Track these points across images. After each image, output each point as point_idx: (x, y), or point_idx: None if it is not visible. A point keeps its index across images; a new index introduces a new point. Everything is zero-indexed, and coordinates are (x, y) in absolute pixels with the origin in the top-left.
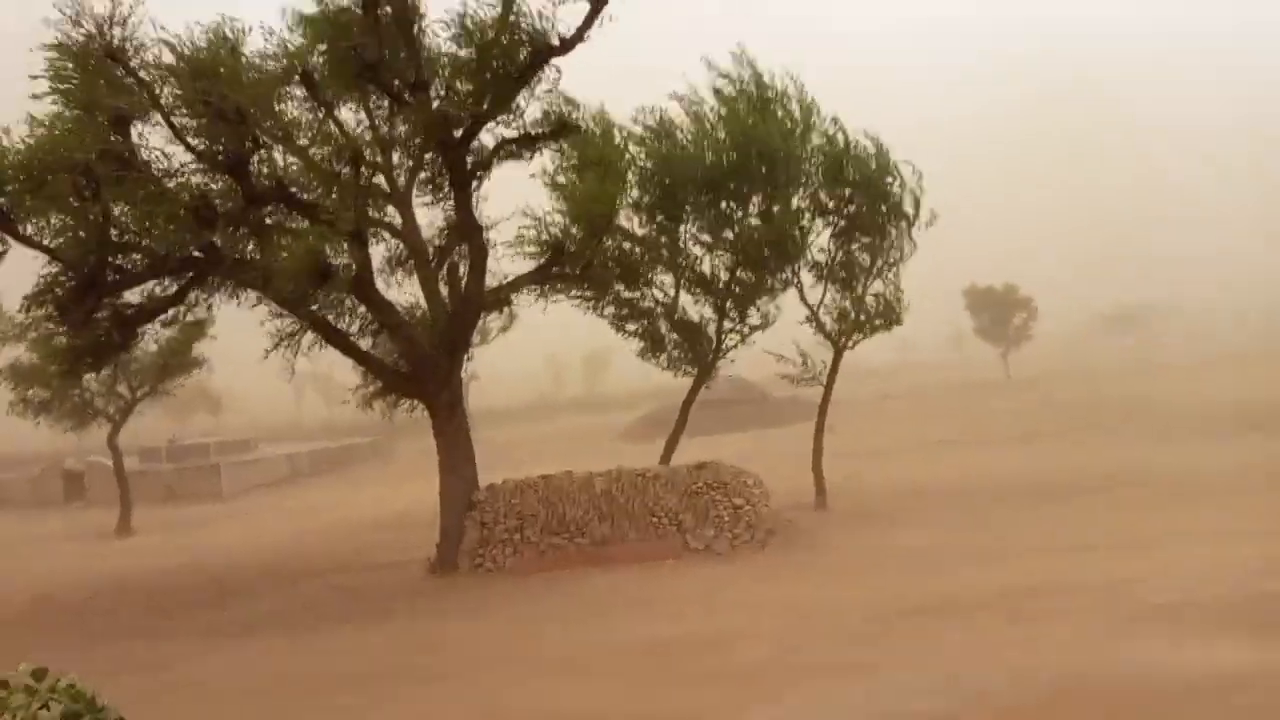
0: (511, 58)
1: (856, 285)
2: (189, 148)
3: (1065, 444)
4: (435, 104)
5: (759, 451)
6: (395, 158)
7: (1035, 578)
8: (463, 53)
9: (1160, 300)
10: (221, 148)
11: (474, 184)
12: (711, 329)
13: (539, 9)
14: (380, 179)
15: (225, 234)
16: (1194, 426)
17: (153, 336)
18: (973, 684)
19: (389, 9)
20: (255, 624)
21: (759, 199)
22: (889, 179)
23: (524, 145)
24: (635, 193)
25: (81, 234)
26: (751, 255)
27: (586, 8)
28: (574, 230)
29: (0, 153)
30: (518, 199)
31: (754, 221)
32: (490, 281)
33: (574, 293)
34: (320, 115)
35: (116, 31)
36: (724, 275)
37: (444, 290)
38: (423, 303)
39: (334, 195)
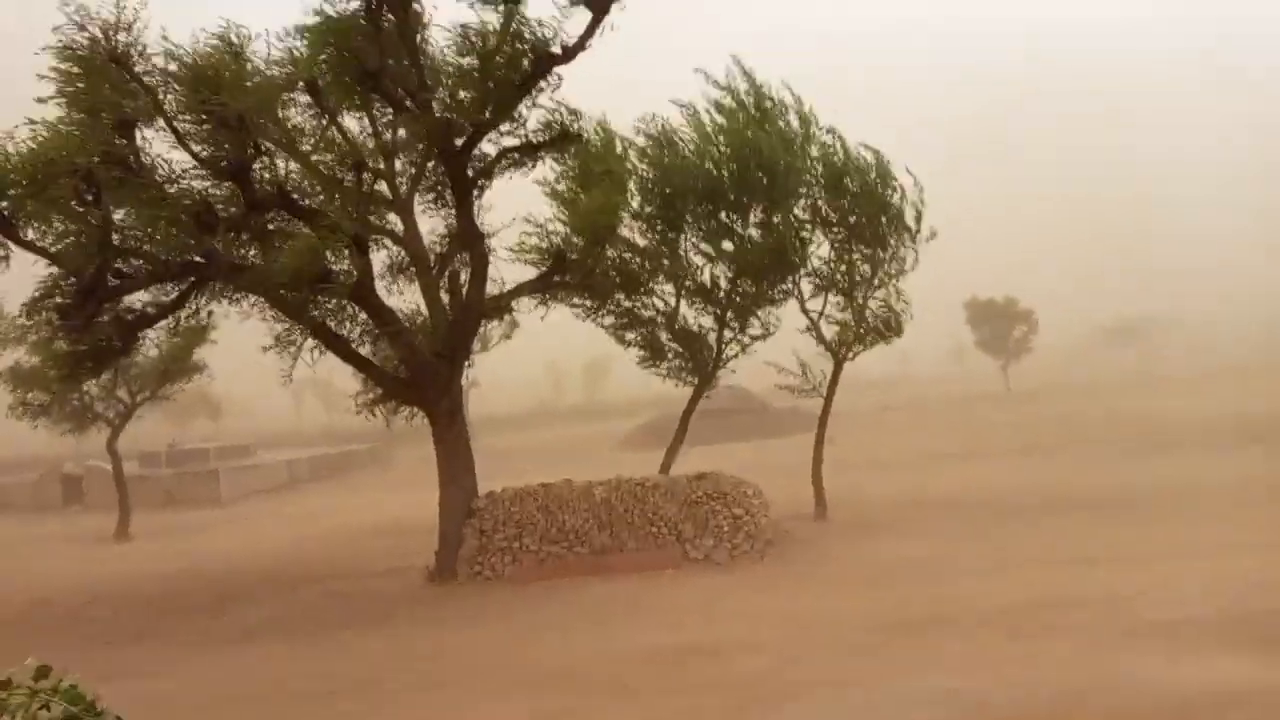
0: (514, 66)
1: (857, 296)
2: (191, 153)
3: (1065, 457)
4: (438, 112)
5: (759, 462)
6: (397, 165)
7: (1035, 591)
8: (465, 61)
9: (1161, 313)
10: (224, 154)
11: (476, 192)
12: (712, 338)
13: (540, 18)
14: (382, 186)
15: (226, 240)
16: (1195, 439)
17: (153, 341)
18: (972, 697)
19: (391, 18)
20: (254, 630)
21: (759, 209)
22: (889, 190)
23: (526, 154)
24: (636, 202)
25: (83, 239)
26: (752, 265)
27: (588, 17)
28: (575, 239)
29: (3, 157)
30: (519, 206)
31: (754, 232)
32: (491, 289)
33: (574, 301)
34: (324, 122)
35: (121, 37)
36: (724, 285)
37: (445, 297)
38: (424, 309)
39: (336, 201)
